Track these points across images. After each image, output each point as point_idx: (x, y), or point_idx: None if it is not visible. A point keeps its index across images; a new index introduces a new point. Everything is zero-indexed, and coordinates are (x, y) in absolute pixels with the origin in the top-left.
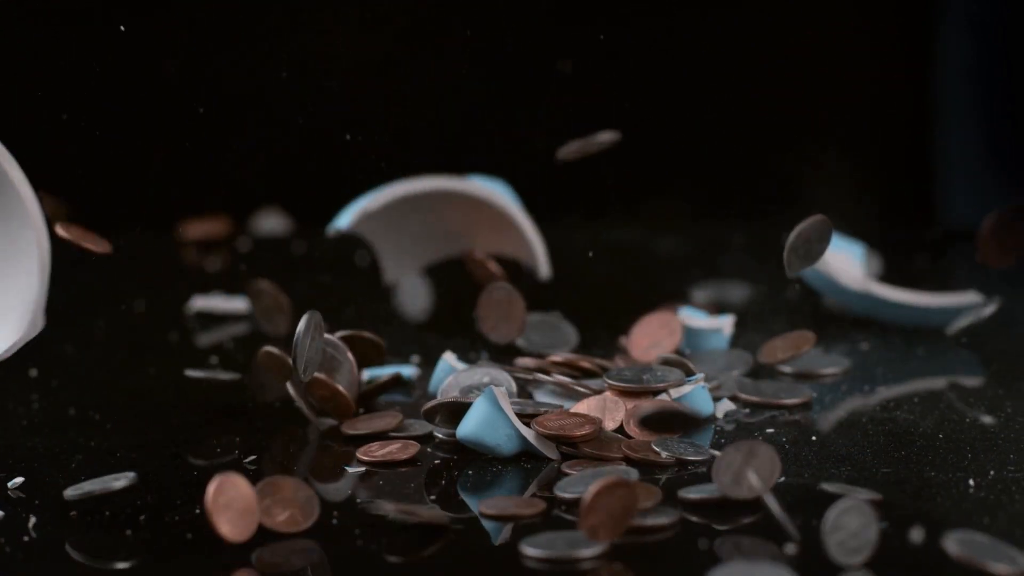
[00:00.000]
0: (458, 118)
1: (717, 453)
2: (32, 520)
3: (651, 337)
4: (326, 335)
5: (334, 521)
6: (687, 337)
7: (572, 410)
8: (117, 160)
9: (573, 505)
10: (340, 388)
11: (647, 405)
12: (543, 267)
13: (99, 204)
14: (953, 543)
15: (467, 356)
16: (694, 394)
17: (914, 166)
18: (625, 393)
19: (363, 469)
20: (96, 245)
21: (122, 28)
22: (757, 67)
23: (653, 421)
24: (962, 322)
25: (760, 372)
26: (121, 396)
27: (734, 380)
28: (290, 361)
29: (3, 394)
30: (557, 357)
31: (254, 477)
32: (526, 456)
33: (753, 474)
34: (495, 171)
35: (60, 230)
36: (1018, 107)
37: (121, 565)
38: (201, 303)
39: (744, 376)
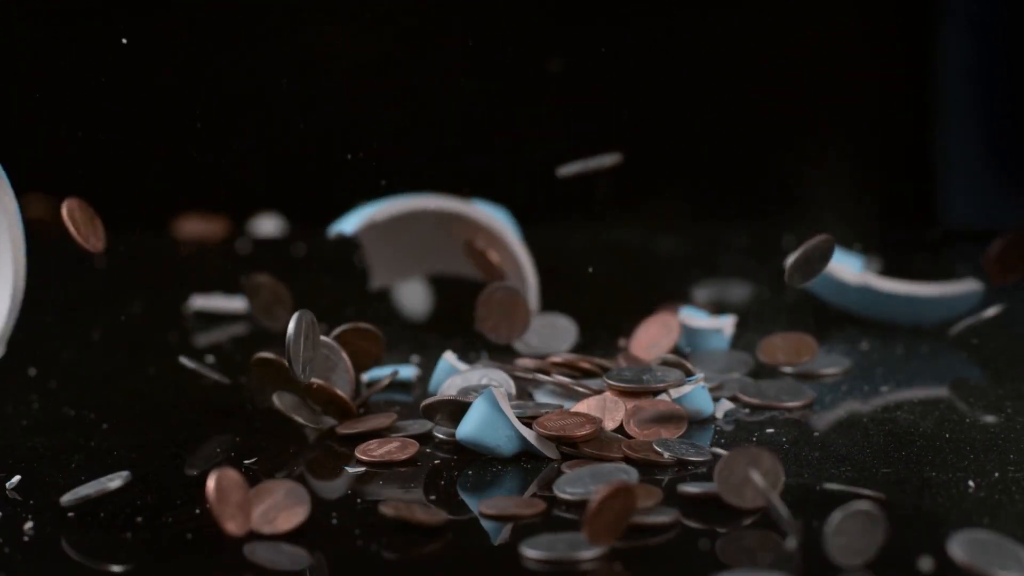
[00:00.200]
0: (458, 118)
1: (720, 452)
2: (30, 521)
3: (651, 338)
4: (321, 337)
5: (334, 521)
6: (688, 337)
7: (572, 410)
8: (116, 160)
9: (574, 505)
10: (339, 392)
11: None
12: (532, 300)
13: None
14: (958, 548)
15: (467, 356)
16: (694, 394)
17: (914, 166)
18: (625, 393)
19: (363, 469)
20: (87, 242)
21: (124, 41)
22: (757, 67)
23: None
24: (963, 323)
25: (761, 372)
26: (120, 396)
27: (735, 381)
28: (285, 363)
29: (2, 394)
30: (557, 358)
31: (253, 478)
32: (526, 456)
33: (758, 476)
34: (495, 171)
35: (65, 213)
36: (1018, 107)
37: (121, 566)
38: (200, 302)
39: (745, 376)
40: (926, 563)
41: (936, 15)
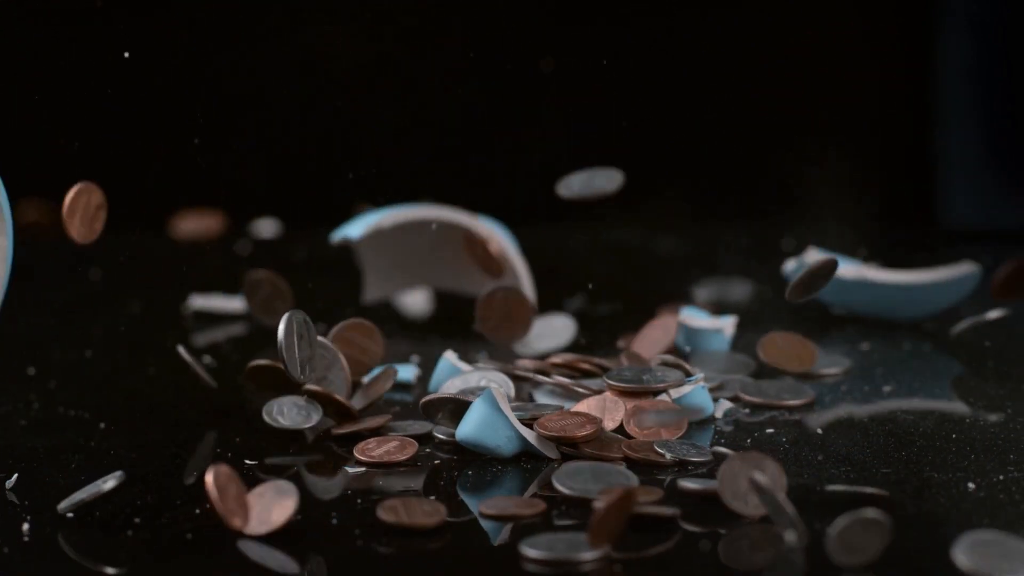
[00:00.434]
0: (458, 118)
1: (721, 451)
2: (29, 521)
3: (651, 339)
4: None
5: (334, 521)
6: (689, 337)
7: (572, 410)
8: (115, 160)
9: (574, 504)
10: (337, 396)
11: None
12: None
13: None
14: (962, 555)
15: (467, 356)
16: (694, 394)
17: (914, 166)
18: (625, 393)
19: (363, 470)
20: (79, 232)
21: (126, 55)
22: (757, 67)
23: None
24: (965, 323)
25: (762, 372)
26: (120, 396)
27: (736, 381)
28: (281, 366)
29: (2, 394)
30: (556, 358)
31: (253, 478)
32: (526, 456)
33: (763, 477)
34: (495, 171)
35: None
36: (1018, 107)
37: (121, 566)
38: (199, 302)
39: (746, 376)
40: None
41: (936, 15)
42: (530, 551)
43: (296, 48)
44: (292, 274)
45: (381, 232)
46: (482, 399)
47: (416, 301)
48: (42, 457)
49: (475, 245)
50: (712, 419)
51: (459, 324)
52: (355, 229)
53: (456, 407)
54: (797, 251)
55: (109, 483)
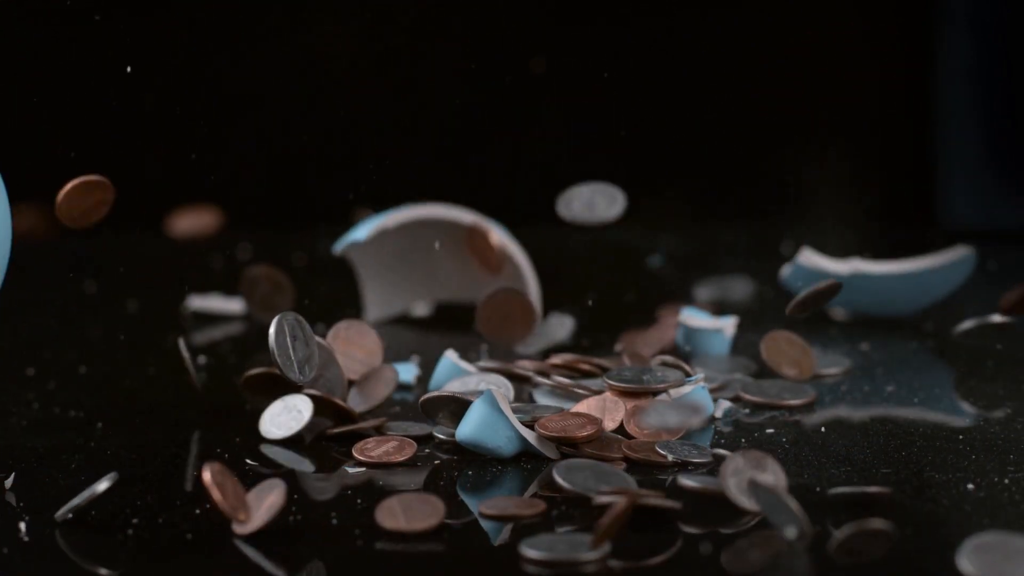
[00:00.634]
0: (458, 118)
1: (721, 452)
2: (27, 520)
3: (650, 338)
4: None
5: (334, 521)
6: (689, 337)
7: (573, 411)
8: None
9: (574, 505)
10: (338, 400)
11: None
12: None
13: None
14: (967, 562)
15: (467, 356)
16: (694, 394)
17: (914, 166)
18: (625, 393)
19: (362, 469)
20: (66, 214)
21: (128, 69)
22: (757, 67)
23: None
24: (968, 324)
25: (762, 372)
26: (120, 396)
27: (737, 381)
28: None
29: (2, 395)
30: (556, 359)
31: (253, 479)
32: (526, 456)
33: (766, 477)
34: (495, 171)
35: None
36: (1018, 107)
37: (121, 566)
38: (198, 303)
39: (747, 376)
40: None
41: (936, 15)
42: (530, 552)
43: (296, 48)
44: (291, 274)
45: (383, 241)
46: (482, 399)
47: (419, 308)
48: (42, 457)
49: (476, 236)
50: (712, 419)
51: (459, 323)
52: (360, 233)
53: (456, 407)
54: (797, 251)
55: (102, 485)
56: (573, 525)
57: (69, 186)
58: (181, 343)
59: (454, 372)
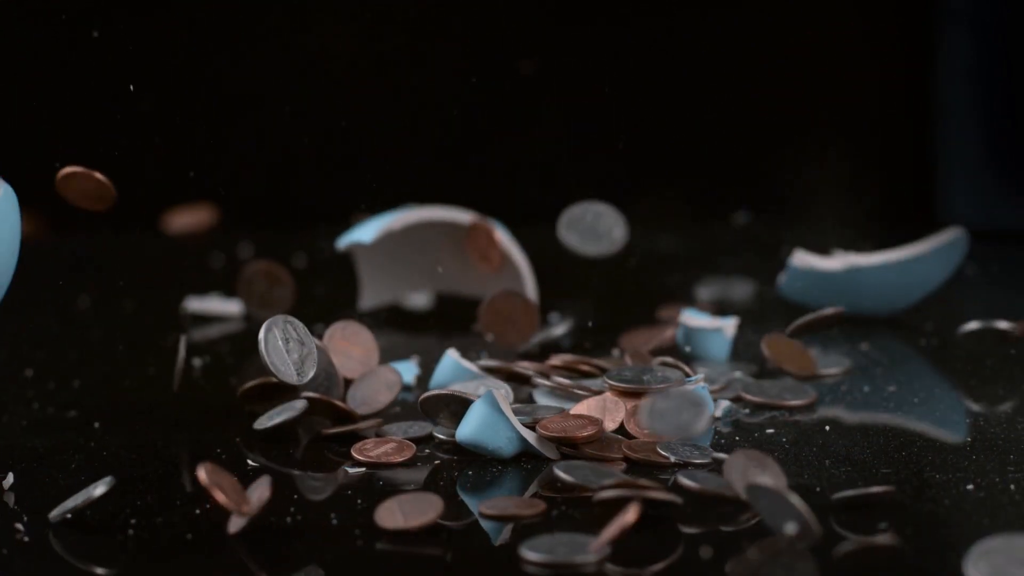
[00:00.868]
0: (458, 118)
1: (721, 456)
2: (26, 520)
3: (649, 337)
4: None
5: (334, 521)
6: (689, 337)
7: (573, 411)
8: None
9: (574, 504)
10: (339, 403)
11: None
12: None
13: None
14: (974, 567)
15: (467, 355)
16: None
17: (914, 166)
18: (625, 393)
19: (362, 470)
20: (71, 190)
21: (131, 87)
22: (757, 67)
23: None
24: (972, 326)
25: (763, 372)
26: (120, 397)
27: (738, 381)
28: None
29: (2, 395)
30: (556, 360)
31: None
32: (526, 456)
33: (767, 479)
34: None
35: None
36: (1018, 107)
37: (120, 567)
38: (196, 305)
39: (747, 376)
40: None
41: (936, 15)
42: (531, 554)
43: (296, 48)
44: (290, 273)
45: (389, 235)
46: (482, 400)
47: (417, 297)
48: (42, 457)
49: (479, 233)
50: (712, 419)
51: (459, 323)
52: (366, 233)
53: (457, 406)
54: (790, 255)
55: (99, 489)
56: (573, 526)
57: (76, 171)
58: (182, 344)
59: (456, 371)
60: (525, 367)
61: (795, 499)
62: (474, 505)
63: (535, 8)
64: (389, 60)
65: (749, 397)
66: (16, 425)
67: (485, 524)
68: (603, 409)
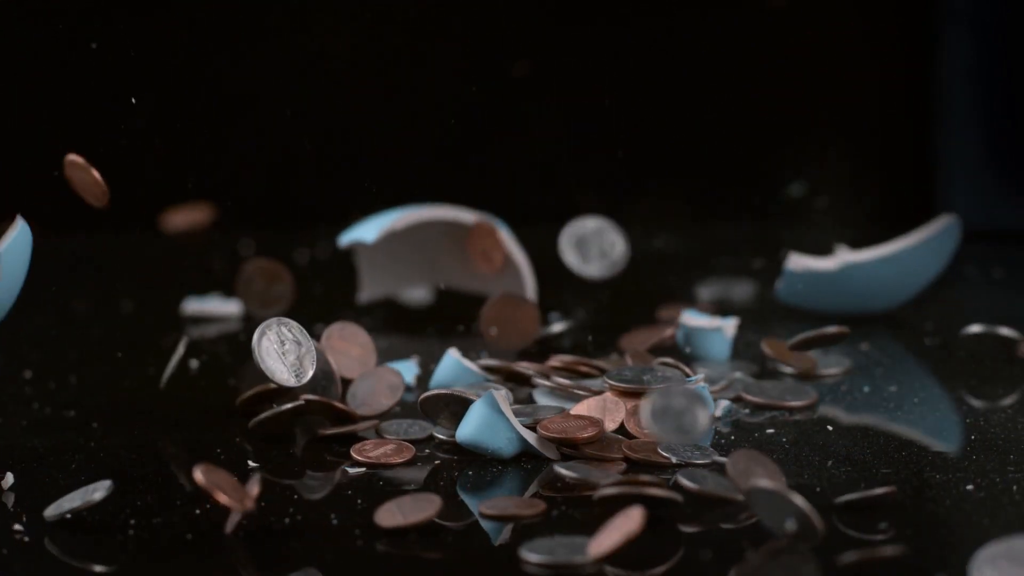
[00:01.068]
0: (458, 118)
1: (721, 460)
2: (23, 522)
3: (648, 336)
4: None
5: (334, 521)
6: (689, 338)
7: (573, 411)
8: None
9: (575, 505)
10: (339, 405)
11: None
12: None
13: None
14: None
15: (468, 355)
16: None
17: (915, 166)
18: (625, 393)
19: (362, 470)
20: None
21: (133, 101)
22: (758, 67)
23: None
24: (975, 329)
25: (763, 373)
26: (119, 397)
27: (739, 381)
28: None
29: (2, 395)
30: (555, 361)
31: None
32: (526, 456)
33: (767, 483)
34: (495, 171)
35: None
36: (1019, 107)
37: (120, 567)
38: (194, 307)
39: (748, 377)
40: None
41: (937, 15)
42: (531, 556)
43: (296, 48)
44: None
45: (392, 234)
46: (482, 401)
47: (415, 292)
48: (42, 457)
49: (482, 233)
50: (713, 419)
51: (459, 323)
52: (369, 233)
53: (457, 407)
54: (797, 252)
55: (98, 494)
56: (574, 526)
57: (79, 161)
58: (181, 345)
59: (457, 370)
60: (525, 367)
61: (797, 499)
62: (474, 505)
63: (535, 8)
64: (389, 60)
65: (750, 398)
66: (16, 425)
67: (485, 524)
68: (603, 409)
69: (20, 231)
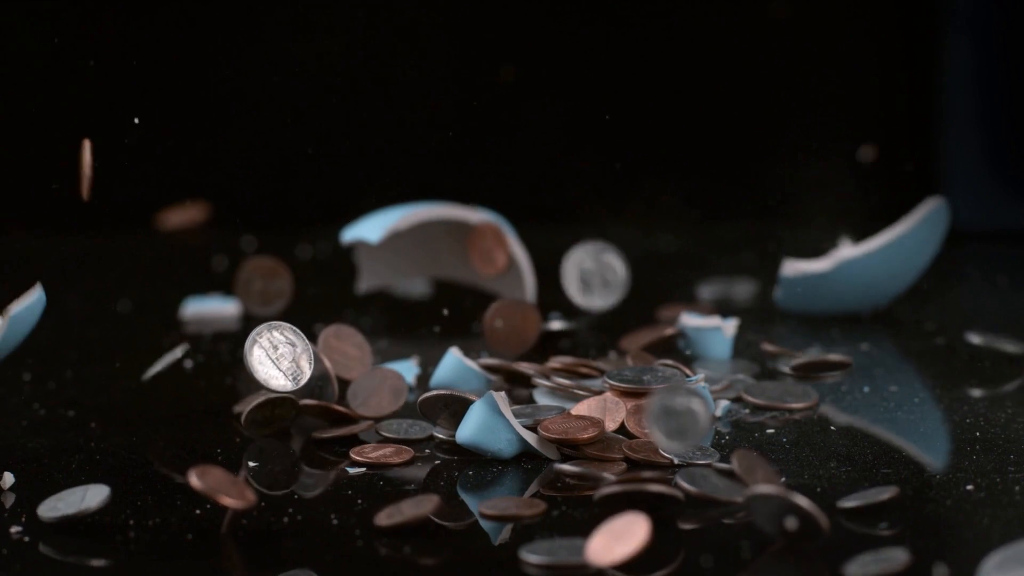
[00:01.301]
0: (458, 118)
1: (721, 465)
2: (23, 522)
3: (647, 336)
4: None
5: (334, 521)
6: (689, 338)
7: (573, 412)
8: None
9: (575, 505)
10: (334, 406)
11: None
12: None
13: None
14: None
15: (468, 354)
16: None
17: (916, 169)
18: (625, 393)
19: (362, 470)
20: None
21: (136, 120)
22: (759, 68)
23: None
24: (976, 340)
25: (763, 373)
26: (119, 397)
27: (739, 382)
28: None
29: (2, 395)
30: (555, 362)
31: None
32: (526, 456)
33: (764, 488)
34: (495, 171)
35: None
36: (1019, 110)
37: (120, 566)
38: (194, 308)
39: (748, 377)
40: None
41: (939, 18)
42: (531, 556)
43: (296, 48)
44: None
45: (396, 233)
46: (482, 401)
47: (414, 284)
48: (42, 457)
49: (486, 234)
50: (713, 420)
51: (459, 322)
52: (372, 232)
53: (457, 408)
54: (797, 252)
55: (96, 500)
56: (574, 526)
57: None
58: (179, 350)
59: (459, 369)
60: (525, 367)
61: (799, 499)
62: (474, 505)
63: (535, 8)
64: (389, 60)
65: (751, 399)
66: (16, 425)
67: (485, 524)
68: (603, 409)
69: (36, 299)
